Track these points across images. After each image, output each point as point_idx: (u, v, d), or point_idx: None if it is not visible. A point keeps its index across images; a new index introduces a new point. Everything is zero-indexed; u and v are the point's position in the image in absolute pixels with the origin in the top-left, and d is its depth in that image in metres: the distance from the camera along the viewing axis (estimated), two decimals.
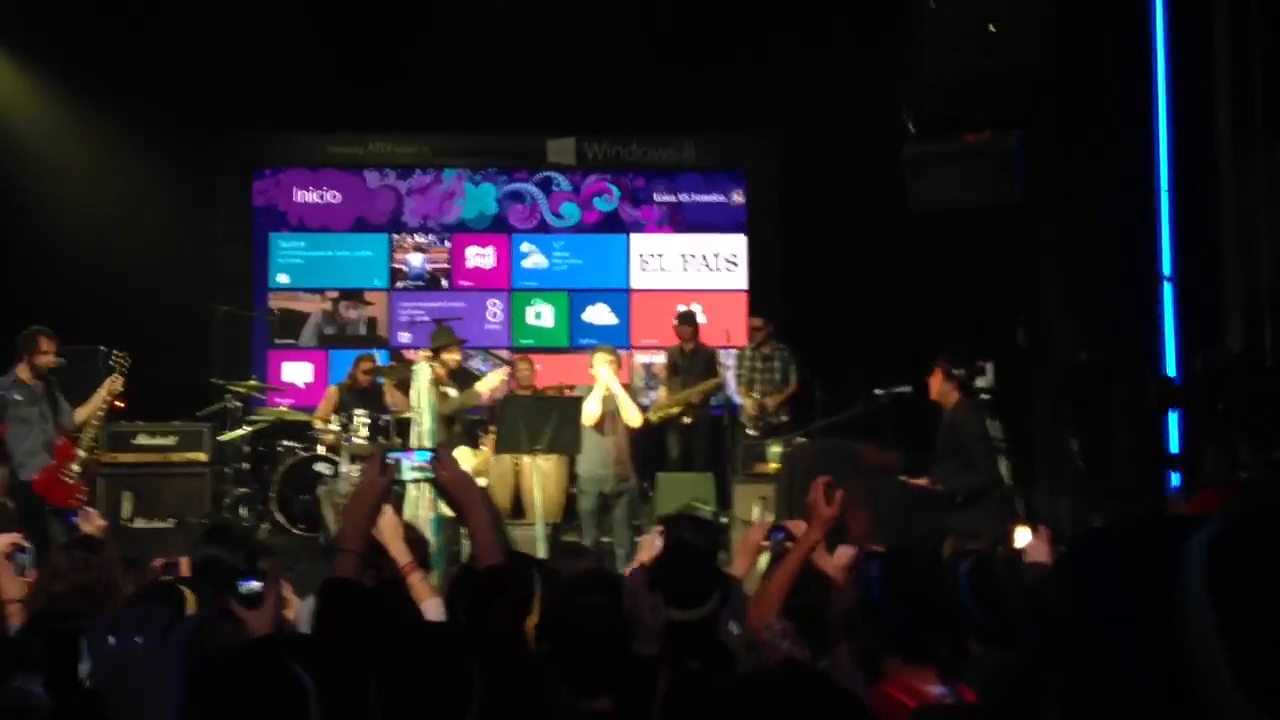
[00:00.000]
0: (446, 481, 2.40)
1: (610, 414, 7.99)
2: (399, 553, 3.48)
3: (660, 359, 11.25)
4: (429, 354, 8.02)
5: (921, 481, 6.47)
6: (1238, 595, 0.97)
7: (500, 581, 2.31)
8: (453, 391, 7.95)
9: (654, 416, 9.76)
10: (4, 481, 7.10)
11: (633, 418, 8.07)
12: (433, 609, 3.31)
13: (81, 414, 7.40)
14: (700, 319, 10.61)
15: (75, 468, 7.27)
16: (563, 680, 2.47)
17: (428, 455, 2.44)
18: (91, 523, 4.60)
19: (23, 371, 7.26)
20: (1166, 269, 7.56)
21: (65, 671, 1.73)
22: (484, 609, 2.29)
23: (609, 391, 8.00)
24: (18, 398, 7.21)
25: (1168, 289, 7.54)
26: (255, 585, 3.05)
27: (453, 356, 8.12)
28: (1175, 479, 7.31)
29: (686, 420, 9.90)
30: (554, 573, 3.24)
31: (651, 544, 4.12)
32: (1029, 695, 2.80)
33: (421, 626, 2.42)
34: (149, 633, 1.62)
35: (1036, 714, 2.25)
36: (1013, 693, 2.77)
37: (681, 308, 11.00)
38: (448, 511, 7.37)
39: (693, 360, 10.18)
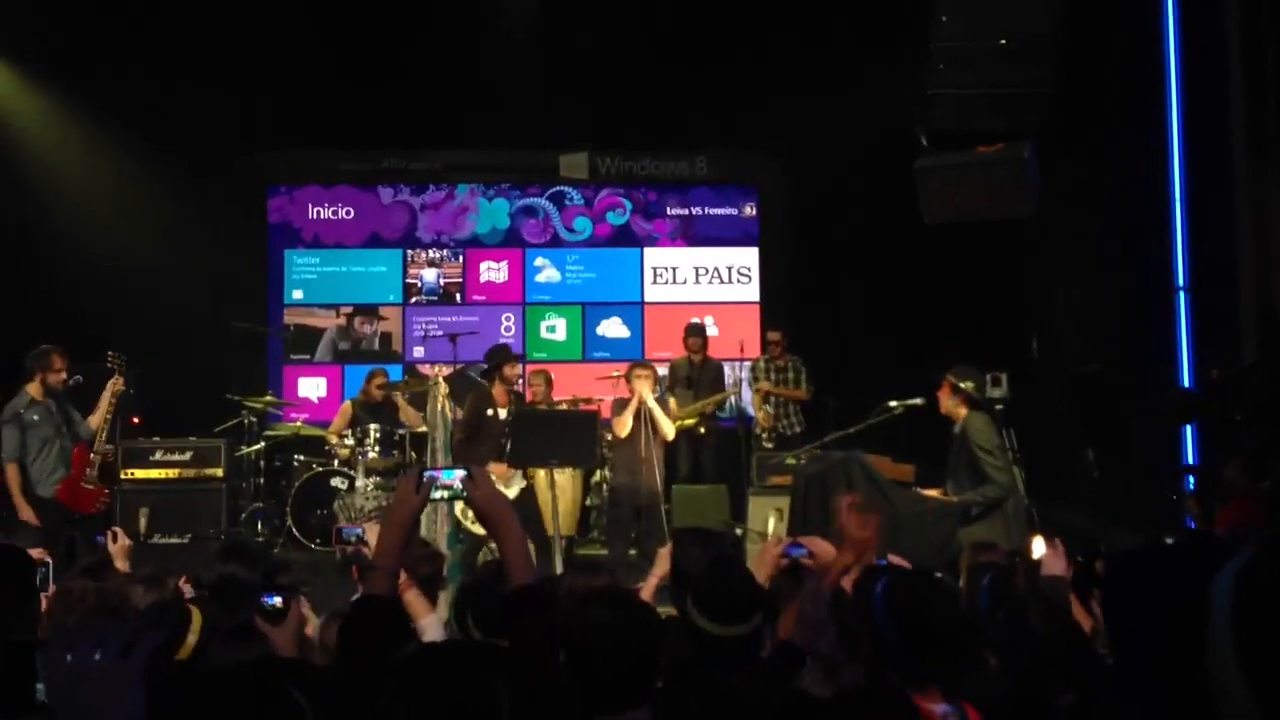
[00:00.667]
0: (480, 500, 2.37)
1: (644, 428, 8.09)
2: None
3: None
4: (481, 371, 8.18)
5: (936, 493, 6.47)
6: (1261, 626, 0.97)
7: (532, 600, 2.30)
8: (504, 413, 8.04)
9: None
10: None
11: (667, 432, 8.26)
12: (430, 626, 3.33)
13: (94, 421, 7.42)
14: (711, 331, 10.61)
15: (92, 472, 7.30)
16: (580, 697, 2.47)
17: (453, 474, 2.42)
18: (118, 542, 4.62)
19: (34, 389, 7.26)
20: (1180, 279, 7.55)
21: (19, 688, 1.62)
22: (516, 628, 2.28)
23: (645, 406, 8.11)
24: (35, 418, 7.22)
25: (1182, 299, 7.53)
26: (278, 601, 3.07)
27: (513, 371, 8.28)
28: (1191, 488, 7.30)
29: (702, 430, 9.92)
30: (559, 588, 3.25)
31: (665, 558, 4.13)
32: (1034, 713, 2.81)
33: (445, 645, 2.42)
34: (108, 649, 1.55)
35: None
36: (1019, 710, 2.78)
37: (695, 320, 11.00)
38: (469, 527, 7.40)
39: (702, 372, 10.20)
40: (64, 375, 7.30)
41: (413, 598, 3.47)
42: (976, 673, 3.25)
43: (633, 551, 8.15)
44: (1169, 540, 2.29)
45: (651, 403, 8.15)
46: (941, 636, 2.67)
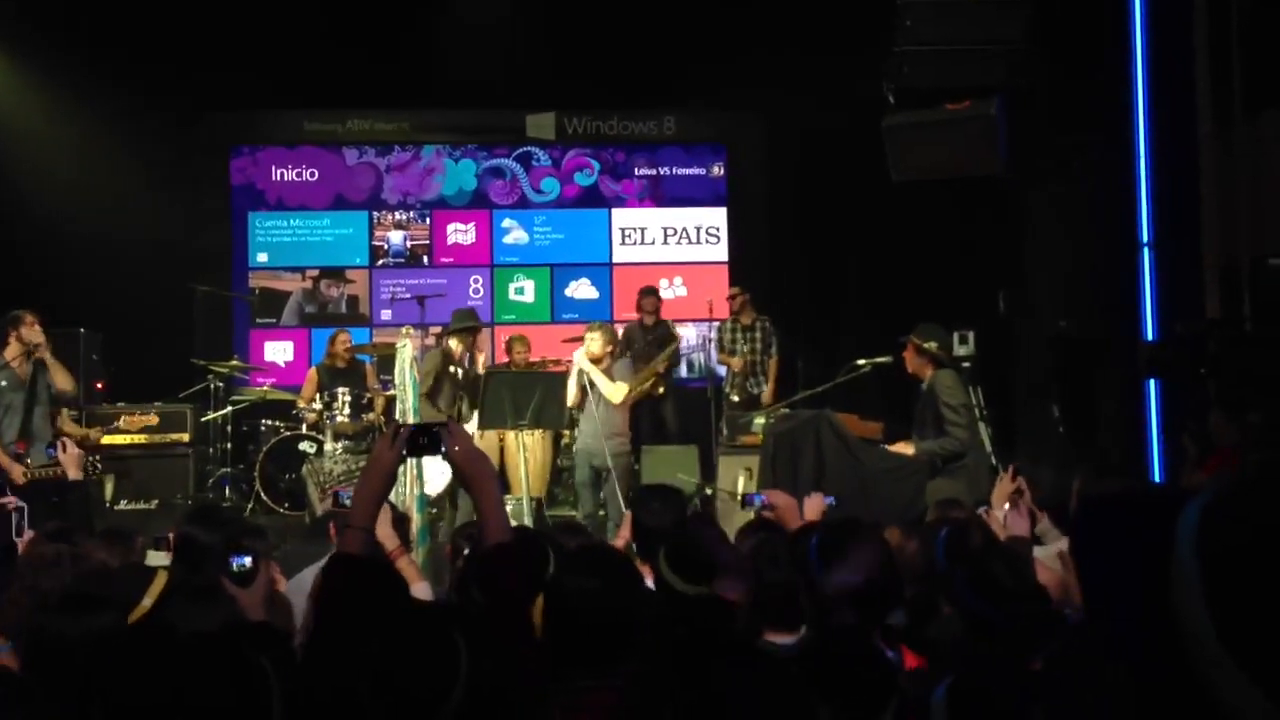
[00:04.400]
0: (457, 456, 2.35)
1: (591, 391, 8.03)
2: (386, 537, 3.48)
3: None
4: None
5: (903, 447, 6.50)
6: (1225, 561, 0.98)
7: (508, 559, 2.28)
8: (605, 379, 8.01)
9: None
10: None
11: (610, 395, 8.02)
12: (421, 593, 3.31)
13: (61, 381, 7.21)
14: (680, 291, 10.58)
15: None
16: (558, 661, 2.47)
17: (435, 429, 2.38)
18: (69, 451, 4.61)
19: (11, 353, 7.04)
20: (1145, 236, 7.59)
21: None
22: (491, 587, 2.27)
23: (581, 370, 8.03)
24: (3, 383, 7.01)
25: (1147, 255, 7.57)
26: (247, 562, 3.05)
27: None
28: (1156, 445, 7.38)
29: (660, 390, 9.91)
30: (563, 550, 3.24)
31: (628, 522, 4.14)
32: (1002, 675, 2.84)
33: (405, 605, 2.41)
34: None
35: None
36: (986, 672, 2.81)
37: (663, 283, 10.98)
38: (431, 489, 7.40)
39: (653, 333, 10.21)
40: (38, 329, 7.05)
41: (404, 564, 3.45)
42: (931, 621, 3.29)
43: (602, 512, 8.15)
44: (1126, 488, 2.32)
45: (588, 367, 8.04)
46: (879, 584, 2.74)
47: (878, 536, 3.06)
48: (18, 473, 6.69)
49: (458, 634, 1.85)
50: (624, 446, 8.22)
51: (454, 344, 8.78)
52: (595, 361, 8.05)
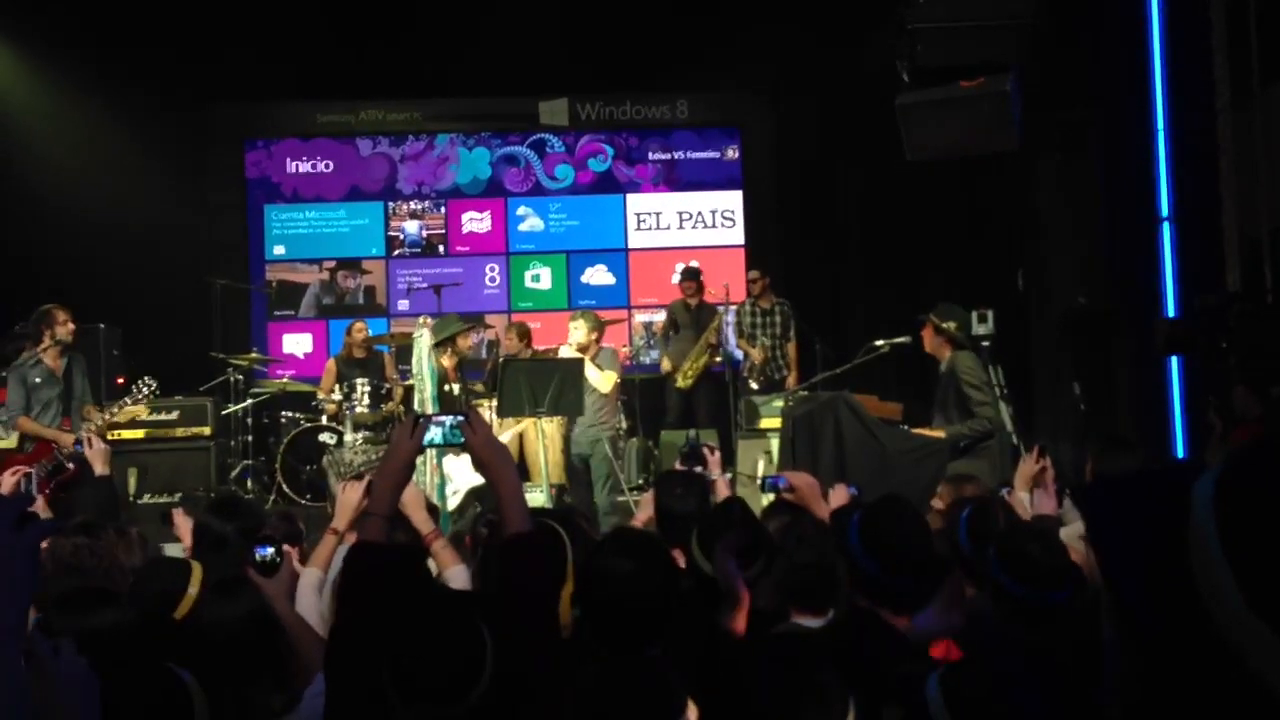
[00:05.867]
0: (476, 445, 2.33)
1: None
2: (422, 522, 3.49)
3: (660, 318, 11.25)
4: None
5: (924, 430, 6.48)
6: (1243, 522, 0.98)
7: (529, 548, 2.28)
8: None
9: (684, 381, 9.81)
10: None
11: (600, 384, 7.97)
12: (457, 576, 3.31)
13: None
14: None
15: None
16: (592, 641, 2.48)
17: (450, 419, 2.38)
18: (94, 447, 4.65)
19: (43, 351, 7.02)
20: (1165, 210, 7.53)
21: None
22: (512, 577, 2.27)
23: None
24: (38, 380, 7.01)
25: (1166, 230, 7.51)
26: (270, 552, 3.06)
27: (466, 342, 8.25)
28: (1179, 419, 7.32)
29: (718, 359, 9.96)
30: (584, 534, 3.24)
31: (647, 504, 4.14)
32: (999, 646, 2.83)
33: (430, 595, 2.41)
34: (1, 521, 1.40)
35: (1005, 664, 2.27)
36: (984, 641, 2.80)
37: (691, 264, 10.98)
38: (452, 475, 7.41)
39: (699, 314, 10.23)
40: (71, 325, 7.09)
41: (439, 548, 3.45)
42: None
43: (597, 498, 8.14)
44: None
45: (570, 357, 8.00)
46: (915, 561, 2.71)
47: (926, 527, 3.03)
48: (67, 440, 6.74)
49: (483, 624, 1.85)
50: (603, 434, 8.13)
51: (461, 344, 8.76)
52: (582, 351, 8.02)
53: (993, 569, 2.92)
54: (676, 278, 10.82)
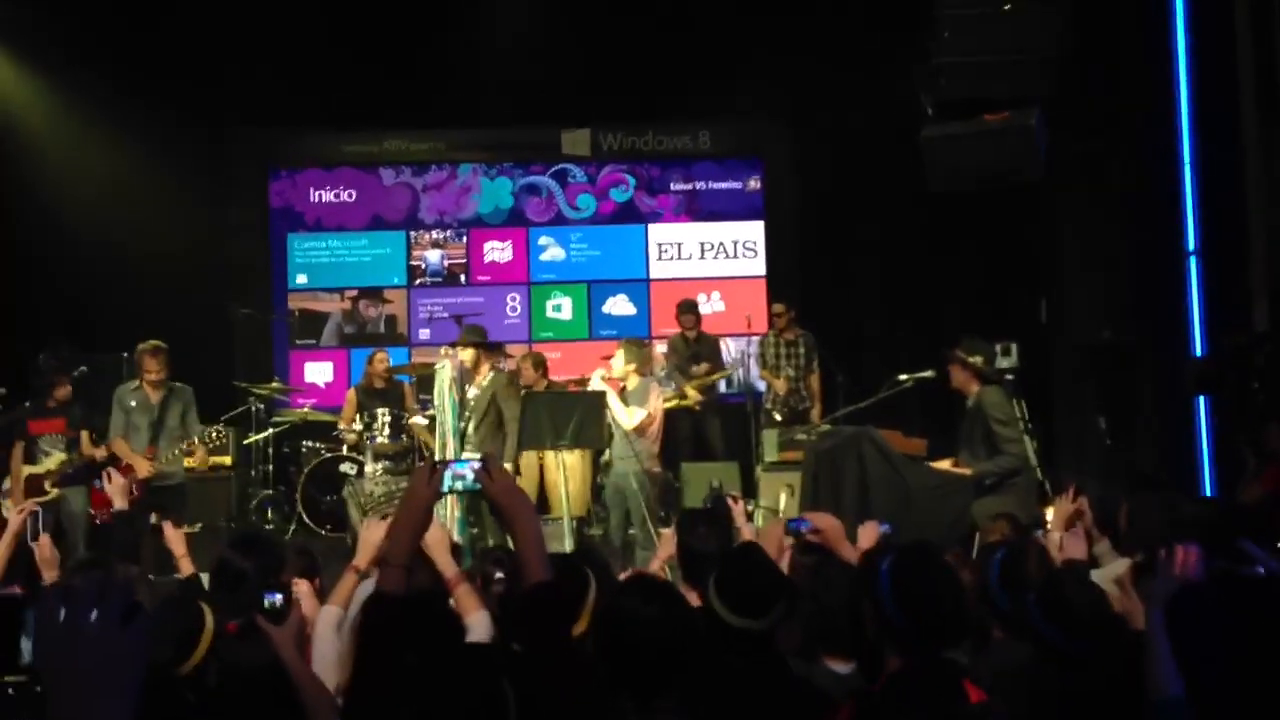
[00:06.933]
0: (495, 493, 2.28)
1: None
2: (445, 565, 3.44)
3: None
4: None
5: (948, 465, 6.42)
6: None
7: (548, 600, 2.23)
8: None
9: (668, 405, 9.73)
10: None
11: (622, 421, 7.79)
12: (479, 622, 3.26)
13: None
14: (718, 306, 10.55)
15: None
16: (609, 684, 2.44)
17: (467, 464, 2.32)
18: (114, 481, 4.66)
19: (144, 385, 7.64)
20: (1191, 244, 7.47)
21: (3, 646, 1.45)
22: (530, 627, 2.22)
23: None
24: (132, 404, 7.58)
25: (1193, 264, 7.45)
26: (278, 599, 3.00)
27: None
28: (1206, 456, 7.25)
29: (696, 407, 9.88)
30: (607, 574, 3.20)
31: (668, 541, 4.11)
32: (1034, 695, 2.77)
33: (451, 650, 2.37)
34: (107, 612, 1.33)
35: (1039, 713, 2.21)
36: (1018, 691, 2.73)
37: (687, 299, 10.89)
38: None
39: (699, 347, 10.19)
40: (152, 375, 7.59)
41: (462, 593, 3.38)
42: (983, 649, 3.22)
43: (632, 531, 8.04)
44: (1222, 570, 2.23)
45: (607, 391, 7.85)
46: (947, 618, 2.61)
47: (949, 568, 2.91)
48: (142, 465, 7.31)
49: (505, 681, 1.82)
50: (630, 468, 7.83)
51: (465, 356, 8.18)
52: (613, 382, 7.95)
53: (1032, 616, 2.87)
54: (676, 311, 10.57)
